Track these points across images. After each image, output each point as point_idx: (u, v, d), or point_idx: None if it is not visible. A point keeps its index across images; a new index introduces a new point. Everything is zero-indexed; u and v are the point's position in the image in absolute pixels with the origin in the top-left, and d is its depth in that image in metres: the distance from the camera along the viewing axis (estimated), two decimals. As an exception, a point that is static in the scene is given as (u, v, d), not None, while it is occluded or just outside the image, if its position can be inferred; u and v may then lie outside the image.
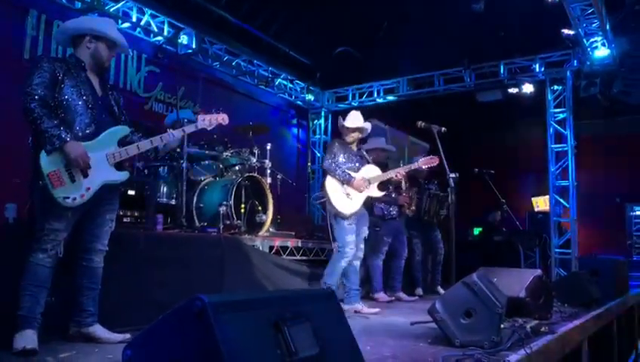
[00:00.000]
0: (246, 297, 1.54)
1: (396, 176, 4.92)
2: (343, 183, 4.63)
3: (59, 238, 2.78)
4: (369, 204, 4.93)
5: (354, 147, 4.88)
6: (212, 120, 3.41)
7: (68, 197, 2.75)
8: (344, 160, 4.72)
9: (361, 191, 4.66)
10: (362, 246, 4.83)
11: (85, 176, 2.82)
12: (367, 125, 4.95)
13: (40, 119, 2.70)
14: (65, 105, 2.85)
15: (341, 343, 1.77)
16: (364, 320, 4.16)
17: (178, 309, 1.41)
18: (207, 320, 1.35)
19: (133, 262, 3.54)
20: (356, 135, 4.85)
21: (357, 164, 4.78)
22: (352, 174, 4.67)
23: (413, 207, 6.05)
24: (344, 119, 4.89)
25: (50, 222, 2.76)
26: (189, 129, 3.37)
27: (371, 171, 4.83)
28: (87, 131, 2.90)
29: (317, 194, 4.88)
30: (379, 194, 4.86)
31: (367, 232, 4.87)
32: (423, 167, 5.10)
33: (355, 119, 4.86)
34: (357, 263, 4.82)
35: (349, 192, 4.63)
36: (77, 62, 3.00)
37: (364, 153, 5.01)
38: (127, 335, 2.97)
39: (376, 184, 4.79)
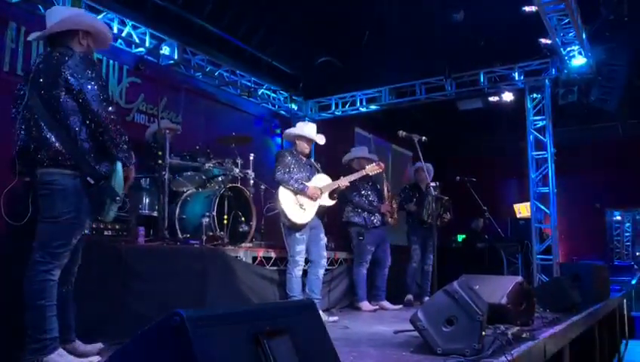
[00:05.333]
0: (225, 311, 1.53)
1: (343, 184, 5.02)
2: (296, 193, 4.70)
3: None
4: (323, 212, 5.03)
5: (304, 157, 4.97)
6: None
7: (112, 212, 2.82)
8: (296, 170, 4.80)
9: (315, 200, 4.75)
10: (324, 253, 4.92)
11: None
12: (322, 138, 5.06)
13: (119, 133, 2.75)
14: None
15: (322, 355, 1.77)
16: (347, 330, 4.16)
17: (156, 325, 1.40)
18: (185, 335, 1.34)
19: (115, 275, 3.51)
20: (309, 145, 4.98)
21: (307, 174, 4.87)
22: (305, 184, 4.75)
23: (396, 216, 6.07)
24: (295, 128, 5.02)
25: (76, 236, 2.72)
26: None
27: (322, 180, 4.93)
28: None
29: (269, 205, 4.94)
30: (331, 203, 4.99)
31: (325, 239, 4.97)
32: (370, 173, 5.32)
33: (312, 129, 4.98)
34: (321, 272, 4.90)
35: (303, 202, 4.71)
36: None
37: (313, 162, 5.12)
38: (99, 345, 2.93)
39: (327, 193, 4.89)
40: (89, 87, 2.66)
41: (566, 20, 6.26)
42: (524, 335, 3.33)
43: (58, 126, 2.67)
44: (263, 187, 6.11)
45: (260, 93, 8.84)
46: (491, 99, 8.65)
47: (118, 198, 2.74)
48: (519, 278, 4.07)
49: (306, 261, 4.92)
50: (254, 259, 4.97)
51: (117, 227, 4.19)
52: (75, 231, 2.71)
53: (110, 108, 2.71)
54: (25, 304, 2.64)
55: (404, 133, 4.89)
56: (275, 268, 5.09)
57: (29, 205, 2.75)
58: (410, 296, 6.35)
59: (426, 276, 6.51)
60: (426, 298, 6.38)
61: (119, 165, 2.76)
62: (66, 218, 2.66)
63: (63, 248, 2.66)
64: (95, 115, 2.66)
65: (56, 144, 2.66)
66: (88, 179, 2.67)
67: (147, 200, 5.24)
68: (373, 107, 9.34)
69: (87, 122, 2.69)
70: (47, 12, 2.90)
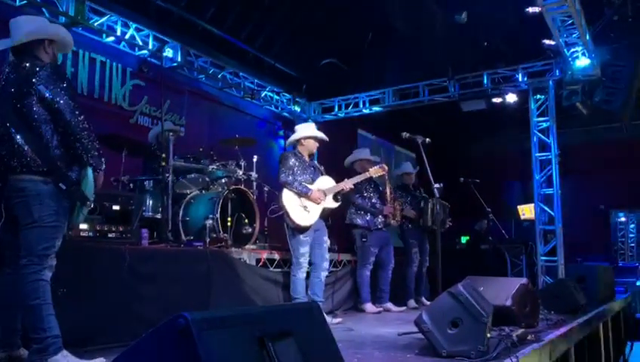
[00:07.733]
0: (230, 313, 1.53)
1: (347, 186, 5.01)
2: (300, 196, 4.68)
3: None
4: (327, 215, 5.01)
5: (307, 158, 4.95)
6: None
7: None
8: (299, 172, 4.79)
9: (318, 203, 4.73)
10: (327, 256, 4.91)
11: None
12: (323, 135, 5.05)
13: (91, 140, 2.79)
14: None
15: (327, 358, 1.76)
16: (351, 332, 4.15)
17: (161, 327, 1.40)
18: (190, 338, 1.34)
19: (119, 277, 3.50)
20: (314, 145, 4.94)
21: (311, 176, 4.85)
22: (309, 186, 4.74)
23: (398, 218, 6.05)
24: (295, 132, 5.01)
25: (59, 238, 2.74)
26: None
27: (326, 182, 4.92)
28: None
29: (273, 207, 4.90)
30: (335, 205, 4.96)
31: (328, 242, 4.96)
32: (374, 176, 5.30)
33: (311, 128, 5.00)
34: (323, 274, 4.88)
35: (307, 205, 4.70)
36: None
37: (317, 164, 5.10)
38: (102, 359, 2.78)
39: (331, 195, 4.87)
40: (62, 97, 2.72)
41: (570, 21, 6.24)
42: (529, 337, 3.32)
43: (31, 134, 2.72)
44: (266, 189, 6.11)
45: (263, 95, 8.84)
46: (495, 100, 8.63)
47: (88, 203, 2.79)
48: (524, 280, 4.06)
49: (309, 263, 4.91)
50: (258, 260, 4.96)
51: (120, 229, 4.18)
52: (57, 234, 2.73)
53: (81, 116, 2.76)
54: (21, 306, 2.66)
55: (408, 135, 4.88)
56: (278, 269, 5.09)
57: (2, 211, 2.77)
58: (412, 302, 6.31)
59: (421, 278, 6.52)
60: (423, 298, 6.41)
61: (90, 170, 2.80)
62: (46, 221, 2.68)
63: (49, 251, 2.68)
64: (68, 124, 2.71)
65: (29, 151, 2.70)
66: (60, 185, 2.71)
67: (150, 203, 5.23)
68: (376, 109, 9.34)
69: (59, 130, 2.74)
70: (11, 22, 2.91)
